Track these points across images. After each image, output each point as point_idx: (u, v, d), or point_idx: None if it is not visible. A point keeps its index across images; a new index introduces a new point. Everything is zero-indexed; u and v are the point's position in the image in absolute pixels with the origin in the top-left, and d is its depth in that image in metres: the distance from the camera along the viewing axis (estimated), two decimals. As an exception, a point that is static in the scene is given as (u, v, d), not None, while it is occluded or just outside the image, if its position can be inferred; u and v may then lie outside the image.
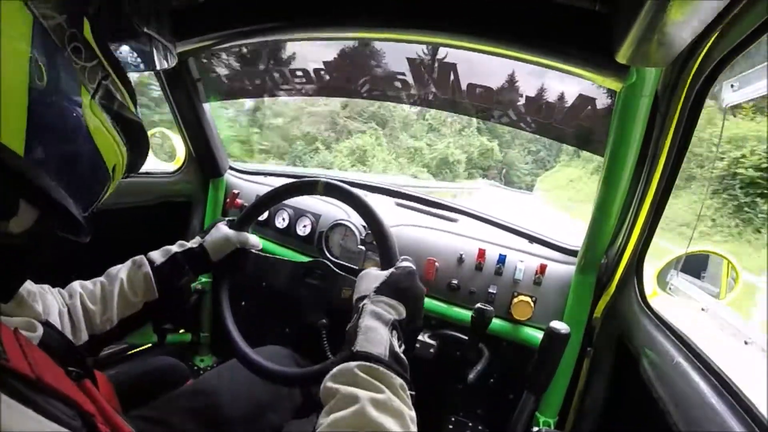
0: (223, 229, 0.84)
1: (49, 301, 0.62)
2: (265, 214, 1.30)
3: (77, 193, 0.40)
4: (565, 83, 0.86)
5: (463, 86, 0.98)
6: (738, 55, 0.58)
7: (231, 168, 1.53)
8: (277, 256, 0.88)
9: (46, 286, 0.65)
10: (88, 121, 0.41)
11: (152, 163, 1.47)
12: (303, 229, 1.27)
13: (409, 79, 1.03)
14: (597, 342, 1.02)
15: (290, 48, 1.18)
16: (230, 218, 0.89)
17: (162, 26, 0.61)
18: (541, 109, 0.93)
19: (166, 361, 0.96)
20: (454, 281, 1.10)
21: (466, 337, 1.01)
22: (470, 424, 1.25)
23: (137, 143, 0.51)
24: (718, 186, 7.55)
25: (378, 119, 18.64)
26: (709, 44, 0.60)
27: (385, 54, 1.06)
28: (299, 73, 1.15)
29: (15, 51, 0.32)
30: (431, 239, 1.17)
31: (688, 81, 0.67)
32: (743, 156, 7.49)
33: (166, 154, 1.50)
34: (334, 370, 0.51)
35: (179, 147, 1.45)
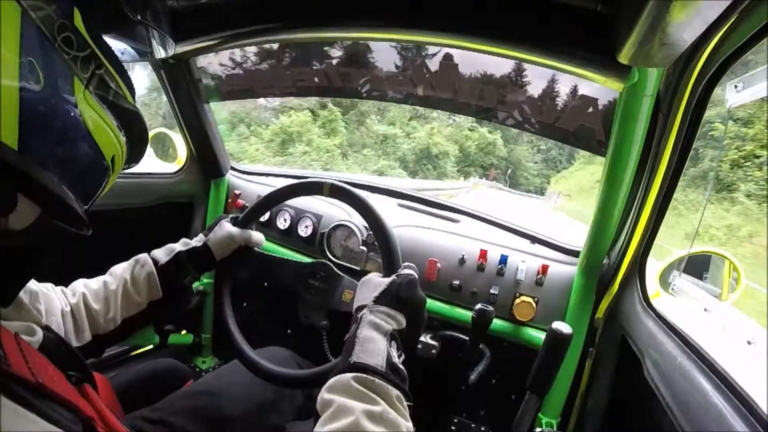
0: (226, 226, 0.84)
1: (52, 301, 0.62)
2: (267, 215, 1.31)
3: (76, 185, 0.40)
4: (567, 83, 0.86)
5: (464, 86, 0.97)
6: (742, 56, 0.58)
7: (233, 168, 1.53)
8: (280, 256, 0.88)
9: (50, 285, 0.65)
10: (82, 112, 0.40)
11: (154, 164, 1.47)
12: (304, 229, 1.27)
13: (410, 79, 1.03)
14: (599, 343, 1.01)
15: (291, 48, 1.18)
16: (234, 215, 0.88)
17: (156, 13, 0.59)
18: (543, 109, 0.92)
19: (168, 363, 0.96)
20: (456, 282, 1.10)
21: (468, 338, 1.01)
22: (473, 425, 1.25)
23: (135, 133, 0.50)
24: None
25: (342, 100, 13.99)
26: (712, 45, 0.60)
27: (385, 54, 1.06)
28: (299, 73, 1.15)
29: (3, 44, 0.32)
30: (433, 240, 1.16)
31: (691, 82, 0.67)
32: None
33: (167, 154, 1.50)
34: (331, 381, 0.51)
35: (181, 147, 1.45)
